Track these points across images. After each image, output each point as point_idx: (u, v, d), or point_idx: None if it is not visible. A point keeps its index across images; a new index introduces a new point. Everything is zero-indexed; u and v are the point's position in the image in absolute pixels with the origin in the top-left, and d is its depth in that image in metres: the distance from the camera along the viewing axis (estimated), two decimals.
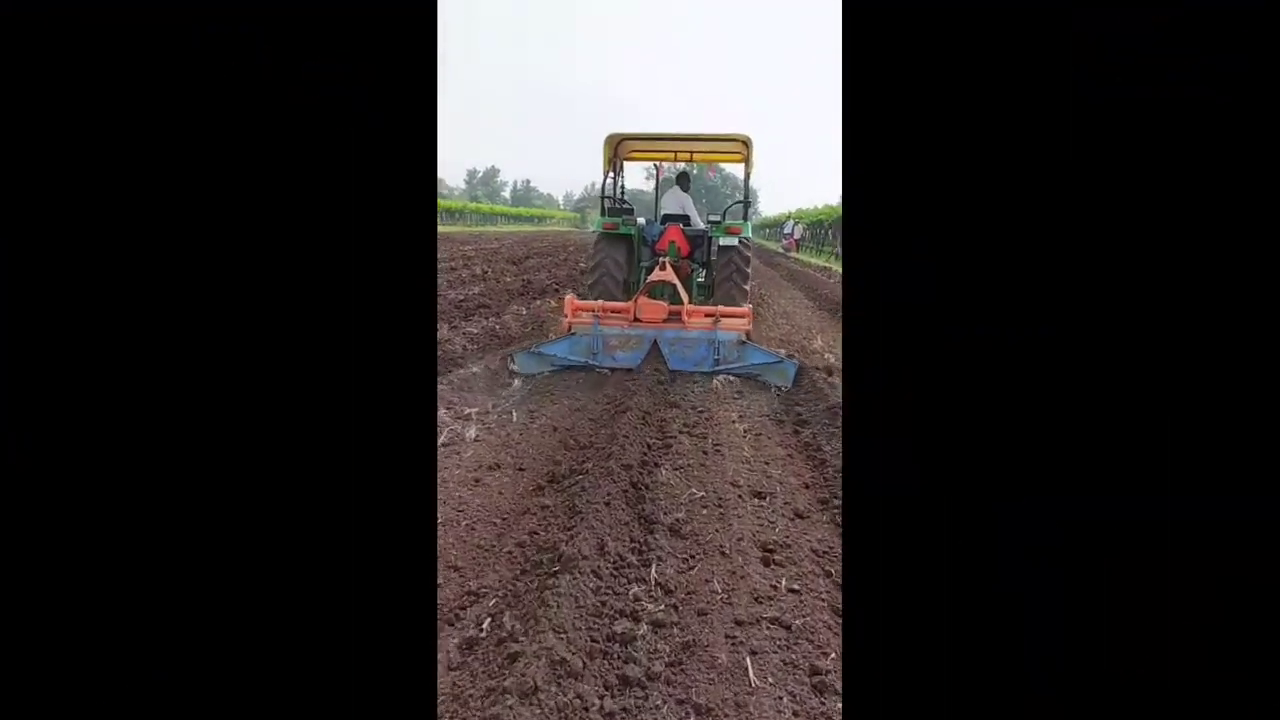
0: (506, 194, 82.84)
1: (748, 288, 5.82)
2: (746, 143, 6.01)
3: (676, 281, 5.21)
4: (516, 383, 4.69)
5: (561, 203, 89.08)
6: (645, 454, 3.27)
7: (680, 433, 3.69)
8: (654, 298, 5.11)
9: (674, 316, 5.00)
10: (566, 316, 4.99)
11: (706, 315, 4.96)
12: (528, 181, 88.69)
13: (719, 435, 3.70)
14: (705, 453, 3.43)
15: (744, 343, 4.89)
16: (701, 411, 4.12)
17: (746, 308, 5.23)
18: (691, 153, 6.53)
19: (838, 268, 16.50)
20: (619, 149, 6.23)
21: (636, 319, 4.97)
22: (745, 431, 3.80)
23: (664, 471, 3.09)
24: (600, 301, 5.17)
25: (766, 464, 3.32)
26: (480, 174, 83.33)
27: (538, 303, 8.56)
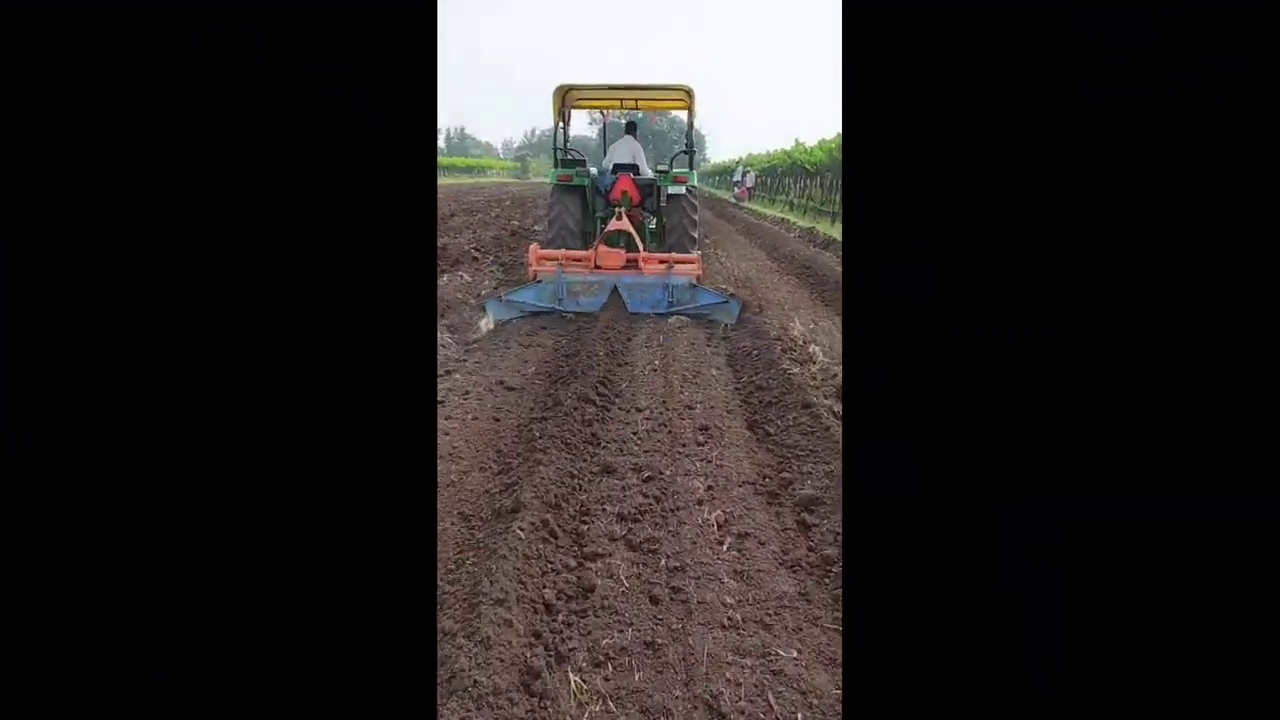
0: (441, 143, 77.66)
1: (695, 234, 6.11)
2: (689, 92, 6.17)
3: (632, 230, 5.61)
4: (486, 327, 4.86)
5: (500, 151, 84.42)
6: (539, 633, 1.71)
7: (614, 541, 2.15)
8: (611, 246, 5.47)
9: (631, 264, 5.38)
10: (531, 265, 5.33)
11: (661, 262, 5.35)
12: (462, 129, 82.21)
13: (679, 539, 2.17)
14: (654, 598, 1.90)
15: (695, 286, 5.24)
16: (649, 478, 2.58)
17: (696, 254, 5.64)
18: (636, 100, 6.66)
19: (796, 220, 15.02)
20: (566, 98, 6.38)
21: (597, 266, 5.31)
22: (720, 527, 2.28)
23: (566, 692, 1.54)
24: (564, 250, 5.53)
25: (764, 625, 1.80)
26: None
27: (444, 279, 6.80)
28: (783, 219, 15.50)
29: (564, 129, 6.51)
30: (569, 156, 6.43)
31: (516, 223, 13.15)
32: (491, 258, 8.55)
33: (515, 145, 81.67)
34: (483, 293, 5.82)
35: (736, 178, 25.67)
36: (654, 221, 6.50)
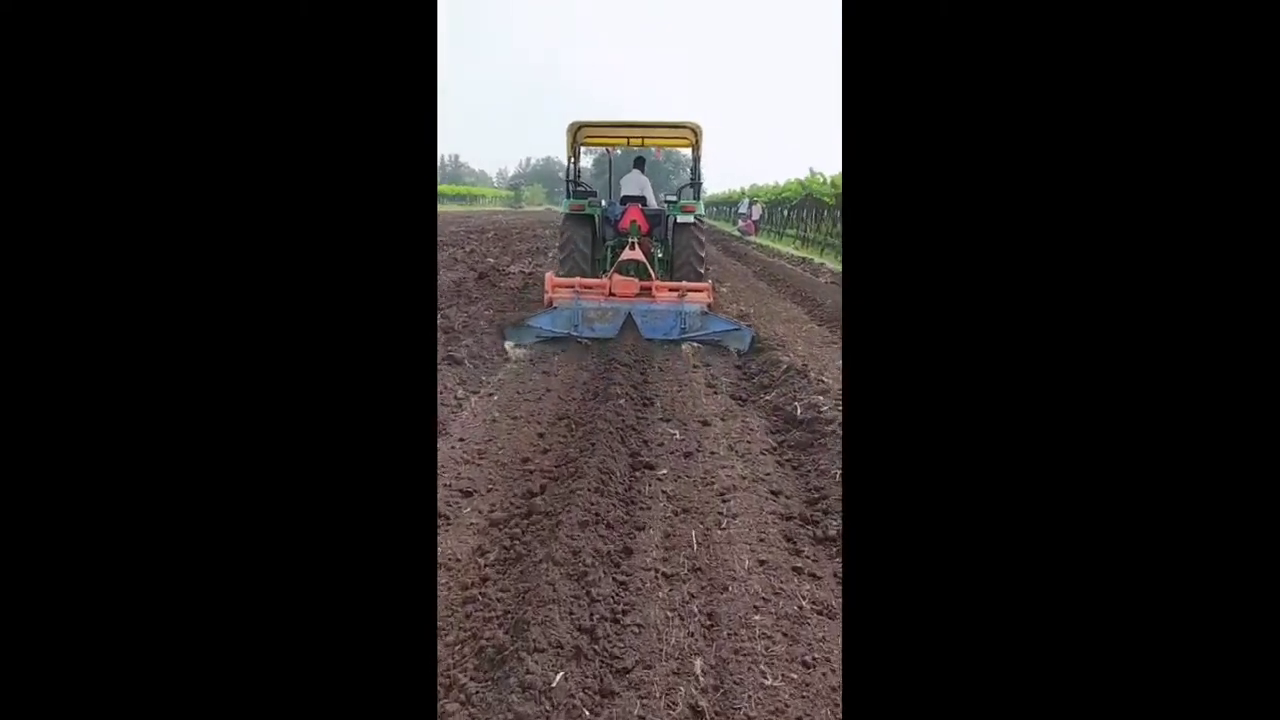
0: None
1: (703, 263, 6.40)
2: (695, 130, 6.49)
3: (644, 259, 5.94)
4: (512, 351, 5.11)
5: (495, 180, 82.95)
6: None
7: None
8: (624, 274, 5.71)
9: (644, 292, 5.62)
10: (548, 292, 5.56)
11: (672, 290, 5.66)
12: (456, 157, 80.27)
13: None
14: None
15: (706, 313, 5.52)
16: None
17: (707, 283, 5.94)
18: (644, 138, 6.94)
19: (826, 260, 13.03)
20: (579, 135, 6.65)
21: (611, 294, 5.54)
22: None
23: None
24: (578, 279, 5.71)
25: None
26: None
27: None
28: (804, 258, 13.57)
29: (575, 164, 6.74)
30: (581, 189, 6.67)
31: (492, 260, 11.03)
32: (453, 305, 6.53)
33: (510, 174, 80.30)
34: None
35: (742, 209, 23.86)
36: (662, 250, 6.72)
